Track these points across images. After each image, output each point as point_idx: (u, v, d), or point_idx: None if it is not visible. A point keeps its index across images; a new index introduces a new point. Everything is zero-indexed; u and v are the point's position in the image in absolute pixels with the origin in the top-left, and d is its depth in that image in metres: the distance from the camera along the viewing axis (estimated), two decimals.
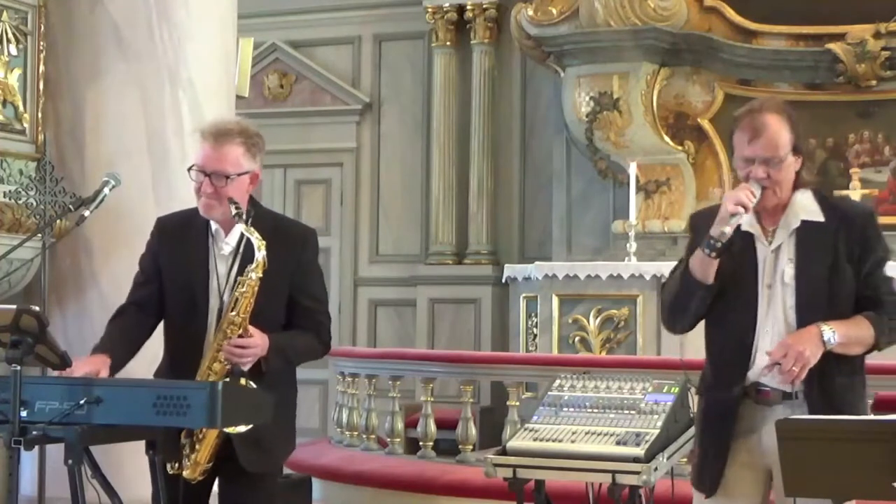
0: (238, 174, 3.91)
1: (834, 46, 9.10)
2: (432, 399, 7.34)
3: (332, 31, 11.09)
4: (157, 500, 3.86)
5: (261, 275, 3.81)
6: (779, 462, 3.23)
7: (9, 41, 5.52)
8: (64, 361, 3.81)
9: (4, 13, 5.51)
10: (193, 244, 4.01)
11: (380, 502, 7.10)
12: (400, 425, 7.57)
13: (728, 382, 3.59)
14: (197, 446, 3.86)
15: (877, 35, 9.03)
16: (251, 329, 3.82)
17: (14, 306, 3.71)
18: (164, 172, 5.65)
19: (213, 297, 3.97)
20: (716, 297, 3.58)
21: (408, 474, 7.07)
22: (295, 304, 3.99)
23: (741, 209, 3.46)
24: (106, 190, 4.29)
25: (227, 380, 3.77)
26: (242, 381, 3.80)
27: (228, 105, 6.01)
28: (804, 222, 3.56)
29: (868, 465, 2.72)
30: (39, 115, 5.62)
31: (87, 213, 4.24)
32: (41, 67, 5.64)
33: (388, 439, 7.59)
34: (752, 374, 3.57)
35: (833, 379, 3.51)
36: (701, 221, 3.68)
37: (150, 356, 5.50)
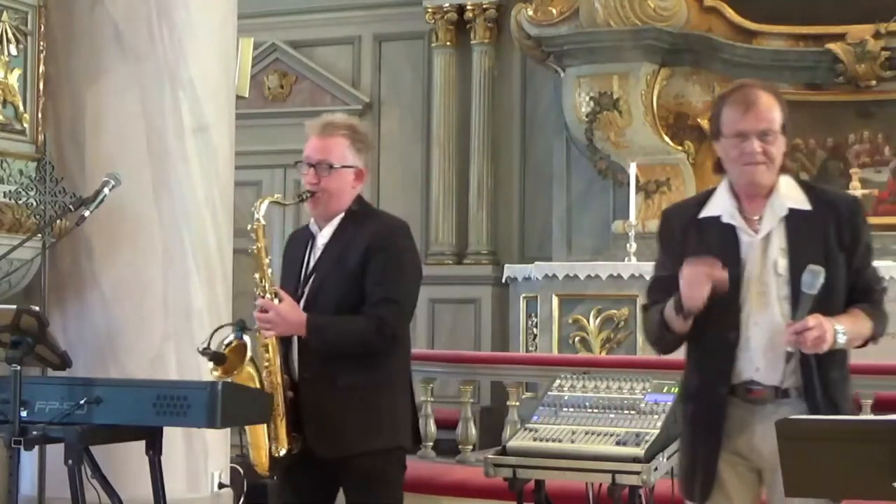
0: (342, 166, 3.88)
1: (834, 46, 9.11)
2: (432, 399, 7.33)
3: (332, 31, 11.09)
4: (157, 499, 3.87)
5: (256, 226, 3.78)
6: (771, 462, 3.20)
7: (9, 41, 5.51)
8: (64, 361, 3.81)
9: (4, 13, 5.50)
10: (298, 253, 4.00)
11: None
12: None
13: (714, 383, 3.42)
14: (278, 420, 3.77)
15: (877, 35, 9.04)
16: (282, 294, 3.77)
17: (14, 306, 3.72)
18: (164, 172, 5.64)
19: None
20: None
21: (408, 474, 7.02)
22: (366, 294, 3.84)
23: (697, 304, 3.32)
24: (106, 190, 4.29)
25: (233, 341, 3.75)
26: (239, 340, 3.75)
27: (228, 105, 6.00)
28: (792, 210, 3.40)
29: (868, 465, 2.71)
30: (39, 115, 5.61)
31: (87, 213, 4.25)
32: (41, 67, 5.62)
33: None
34: (740, 373, 3.41)
35: (829, 373, 3.38)
36: (675, 222, 3.54)
37: (150, 356, 5.55)
